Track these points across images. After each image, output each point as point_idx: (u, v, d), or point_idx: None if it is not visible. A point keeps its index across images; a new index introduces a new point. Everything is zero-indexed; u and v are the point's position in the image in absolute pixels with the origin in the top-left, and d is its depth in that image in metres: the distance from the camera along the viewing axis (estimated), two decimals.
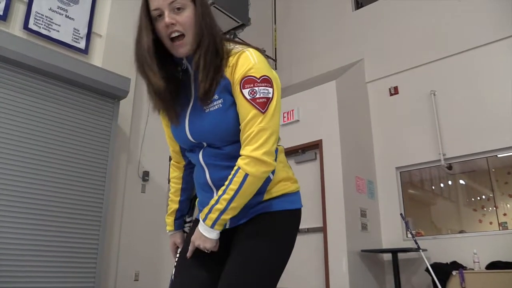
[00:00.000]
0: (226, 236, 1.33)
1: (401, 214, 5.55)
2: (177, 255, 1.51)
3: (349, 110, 5.88)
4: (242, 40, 1.37)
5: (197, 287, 1.31)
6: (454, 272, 4.71)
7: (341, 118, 5.63)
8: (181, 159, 1.51)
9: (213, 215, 1.22)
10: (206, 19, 1.23)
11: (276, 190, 1.33)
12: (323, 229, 5.33)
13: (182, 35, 1.21)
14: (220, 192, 1.23)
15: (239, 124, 1.24)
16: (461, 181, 5.87)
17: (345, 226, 5.14)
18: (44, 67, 4.17)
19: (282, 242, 1.32)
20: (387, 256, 5.53)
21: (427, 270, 4.81)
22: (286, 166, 1.41)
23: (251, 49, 1.25)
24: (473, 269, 4.74)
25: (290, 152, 6.00)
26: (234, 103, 1.25)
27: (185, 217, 1.56)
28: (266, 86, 1.21)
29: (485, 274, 4.58)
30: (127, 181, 4.97)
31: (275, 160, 1.28)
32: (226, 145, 1.28)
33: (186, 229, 1.56)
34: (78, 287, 4.07)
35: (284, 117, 6.16)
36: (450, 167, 5.68)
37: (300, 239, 5.34)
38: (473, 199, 5.75)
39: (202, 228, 1.25)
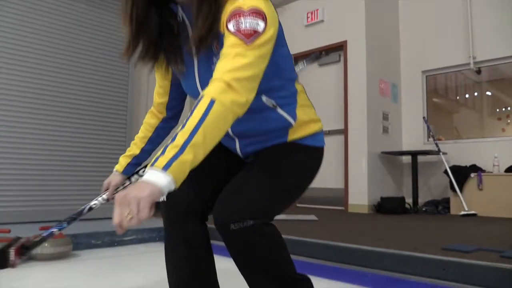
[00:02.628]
0: (238, 165, 1.26)
1: (423, 117, 5.52)
2: (103, 195, 1.44)
3: (376, 10, 5.57)
4: None
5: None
6: (472, 174, 4.79)
7: (368, 18, 5.37)
8: (164, 111, 1.42)
9: (168, 154, 0.88)
10: None
11: (298, 133, 1.24)
12: (344, 131, 5.37)
13: None
14: (178, 128, 0.94)
15: None
16: (488, 92, 5.70)
17: (367, 129, 5.17)
18: None
19: (302, 168, 1.23)
20: (407, 159, 5.62)
21: (445, 172, 4.90)
22: (308, 107, 1.29)
23: None
24: (491, 172, 4.80)
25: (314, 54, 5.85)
26: None
27: (139, 167, 1.46)
28: (255, 18, 1.01)
29: (504, 177, 4.64)
30: (149, 84, 4.97)
31: (276, 105, 1.17)
32: None
33: (133, 179, 1.46)
34: None
35: (308, 17, 5.91)
36: (479, 71, 5.49)
37: None
38: (497, 109, 5.63)
39: (147, 174, 0.86)
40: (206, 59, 1.14)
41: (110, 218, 1.38)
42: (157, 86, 1.38)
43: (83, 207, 1.42)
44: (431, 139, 5.48)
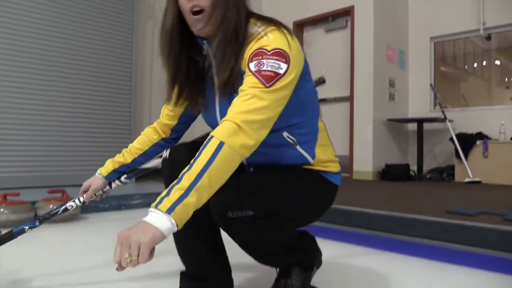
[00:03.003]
0: None
1: (430, 84, 5.46)
2: (80, 197, 1.41)
3: None
4: (270, 18, 1.11)
5: None
6: (478, 142, 4.77)
7: None
8: (168, 132, 1.39)
9: (173, 196, 0.87)
10: None
11: (315, 168, 1.21)
12: (350, 98, 5.33)
13: (202, 11, 1.05)
14: (184, 169, 0.92)
15: None
16: (497, 62, 5.60)
17: (373, 96, 5.13)
18: None
19: (313, 188, 1.18)
20: (412, 126, 5.59)
21: (451, 139, 4.89)
22: (327, 146, 1.25)
23: (271, 30, 1.05)
24: (497, 140, 4.78)
25: (319, 20, 5.75)
26: None
27: (123, 175, 1.41)
28: (277, 60, 0.99)
29: (509, 145, 4.62)
30: (154, 49, 4.93)
31: (296, 142, 1.15)
32: None
33: (113, 185, 1.41)
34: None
35: None
36: (489, 38, 5.38)
37: (326, 109, 5.43)
38: (506, 79, 5.55)
39: (149, 216, 0.87)
40: (225, 96, 1.11)
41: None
42: (168, 108, 1.34)
43: (57, 207, 1.41)
44: (437, 107, 5.43)
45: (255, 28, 1.08)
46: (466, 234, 1.90)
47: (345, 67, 5.46)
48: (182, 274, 1.26)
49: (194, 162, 0.91)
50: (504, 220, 2.00)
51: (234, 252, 1.18)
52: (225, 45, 1.05)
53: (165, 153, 1.20)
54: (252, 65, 1.00)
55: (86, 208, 2.91)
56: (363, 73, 5.21)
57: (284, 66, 0.99)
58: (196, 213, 1.18)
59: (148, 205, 3.50)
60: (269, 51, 1.00)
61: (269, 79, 0.97)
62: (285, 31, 1.06)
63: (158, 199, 0.89)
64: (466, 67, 5.86)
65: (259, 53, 1.00)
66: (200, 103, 1.19)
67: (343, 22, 5.57)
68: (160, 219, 0.85)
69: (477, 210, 2.27)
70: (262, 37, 1.04)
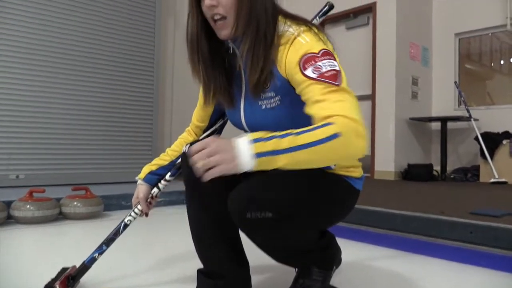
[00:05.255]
0: None
1: (455, 82, 5.35)
2: (135, 209, 1.39)
3: None
4: (298, 16, 1.11)
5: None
6: (504, 141, 4.64)
7: None
8: (200, 133, 1.42)
9: (268, 145, 0.86)
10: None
11: (337, 173, 1.18)
12: (371, 97, 5.27)
13: (224, 17, 1.05)
14: (292, 131, 0.89)
15: (300, 119, 1.00)
16: None
17: (395, 94, 5.05)
18: None
19: (334, 190, 1.15)
20: (436, 126, 5.49)
21: (476, 138, 4.78)
22: None
23: (303, 31, 1.04)
24: None
25: (341, 17, 5.69)
26: (292, 100, 1.06)
27: (164, 176, 1.39)
28: (329, 59, 0.98)
29: None
30: (175, 46, 4.97)
31: None
32: None
33: (161, 186, 1.39)
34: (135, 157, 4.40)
35: None
36: None
37: None
38: None
39: (241, 143, 0.87)
40: (253, 97, 1.12)
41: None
42: (198, 108, 1.37)
43: (118, 225, 1.40)
44: (462, 105, 5.31)
45: (285, 27, 1.07)
46: (491, 236, 1.85)
47: (366, 65, 5.39)
48: (199, 271, 1.26)
49: (303, 133, 0.88)
50: None
51: (252, 250, 1.18)
52: (254, 46, 1.04)
53: (185, 148, 1.22)
54: (309, 72, 0.97)
55: (109, 206, 2.96)
56: (385, 71, 5.14)
57: (335, 63, 1.00)
58: (215, 210, 1.19)
59: (170, 203, 3.53)
60: (318, 53, 0.99)
61: (334, 77, 0.96)
62: (316, 30, 1.06)
63: (259, 135, 0.88)
64: (492, 64, 5.71)
65: (310, 58, 0.99)
66: (228, 103, 1.20)
67: (365, 19, 5.50)
68: (246, 158, 0.86)
69: (503, 211, 2.21)
70: (296, 39, 1.03)
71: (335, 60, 1.00)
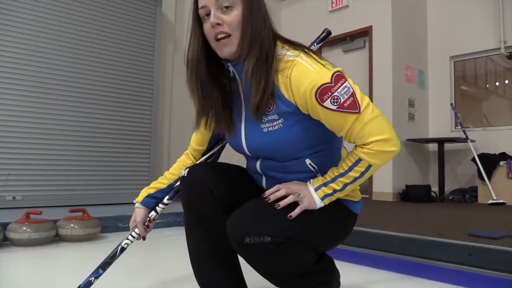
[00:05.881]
0: None
1: (451, 104, 5.40)
2: (132, 233, 1.37)
3: None
4: (295, 41, 1.13)
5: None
6: (501, 162, 4.66)
7: (394, 2, 5.25)
8: (199, 157, 1.40)
9: (327, 190, 1.08)
10: (258, 19, 1.07)
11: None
12: None
13: (228, 36, 1.06)
14: (337, 173, 1.08)
15: (302, 142, 1.11)
16: None
17: (392, 116, 5.08)
18: None
19: (332, 215, 1.16)
20: (433, 147, 5.51)
21: (473, 160, 4.80)
22: None
23: (302, 56, 1.06)
24: None
25: (338, 40, 5.78)
26: (296, 122, 1.09)
27: (162, 199, 1.38)
28: (341, 84, 1.02)
29: None
30: (174, 71, 5.02)
31: (317, 170, 1.17)
32: (287, 160, 1.16)
33: (158, 209, 1.37)
34: (134, 173, 4.39)
35: (332, 2, 5.83)
36: (510, 56, 5.31)
37: None
38: None
39: (312, 190, 1.09)
40: (255, 120, 1.11)
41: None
42: (197, 132, 1.35)
43: (114, 249, 1.38)
44: (458, 127, 5.35)
45: (283, 51, 1.09)
46: (490, 258, 1.84)
47: (363, 87, 5.44)
48: None
49: (346, 173, 1.08)
50: None
51: (251, 274, 1.18)
52: (255, 68, 1.05)
53: (184, 172, 1.22)
54: (328, 104, 1.01)
55: (106, 228, 2.94)
56: (382, 93, 5.19)
57: (349, 85, 1.04)
58: (214, 235, 1.19)
59: (167, 225, 3.49)
60: (331, 82, 1.02)
61: (354, 105, 1.02)
62: (314, 55, 1.07)
63: (319, 182, 1.11)
64: (487, 86, 5.77)
65: (325, 90, 1.01)
66: (226, 127, 1.19)
67: (361, 42, 5.59)
68: (317, 200, 1.09)
69: (502, 233, 2.20)
70: (298, 63, 1.04)
71: (346, 80, 1.04)
